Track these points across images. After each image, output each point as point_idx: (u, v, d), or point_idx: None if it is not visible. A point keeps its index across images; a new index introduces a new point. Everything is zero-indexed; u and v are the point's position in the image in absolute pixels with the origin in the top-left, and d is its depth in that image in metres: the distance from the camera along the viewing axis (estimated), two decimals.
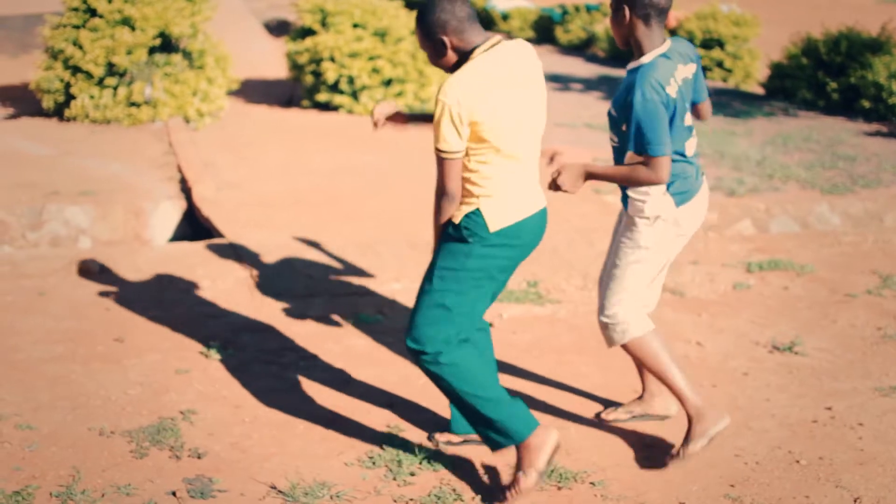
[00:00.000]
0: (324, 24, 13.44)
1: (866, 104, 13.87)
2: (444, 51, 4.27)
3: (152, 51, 12.00)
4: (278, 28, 24.80)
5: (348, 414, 5.31)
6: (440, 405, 5.42)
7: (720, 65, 18.29)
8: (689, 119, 4.72)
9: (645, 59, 4.54)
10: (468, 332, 4.50)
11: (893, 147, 11.96)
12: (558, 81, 17.32)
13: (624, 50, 4.72)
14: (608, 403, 5.50)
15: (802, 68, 15.23)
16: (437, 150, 4.24)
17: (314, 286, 7.01)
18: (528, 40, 24.54)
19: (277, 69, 15.80)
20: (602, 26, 23.06)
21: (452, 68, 4.35)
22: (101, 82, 11.81)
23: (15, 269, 7.21)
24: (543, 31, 24.55)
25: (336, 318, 6.60)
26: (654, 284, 5.02)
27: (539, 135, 4.43)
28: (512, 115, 4.23)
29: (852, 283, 7.49)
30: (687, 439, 4.75)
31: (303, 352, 6.07)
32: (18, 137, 11.12)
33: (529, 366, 5.96)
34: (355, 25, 13.32)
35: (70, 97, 11.93)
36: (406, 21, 13.59)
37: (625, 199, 4.82)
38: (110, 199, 8.79)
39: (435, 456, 4.83)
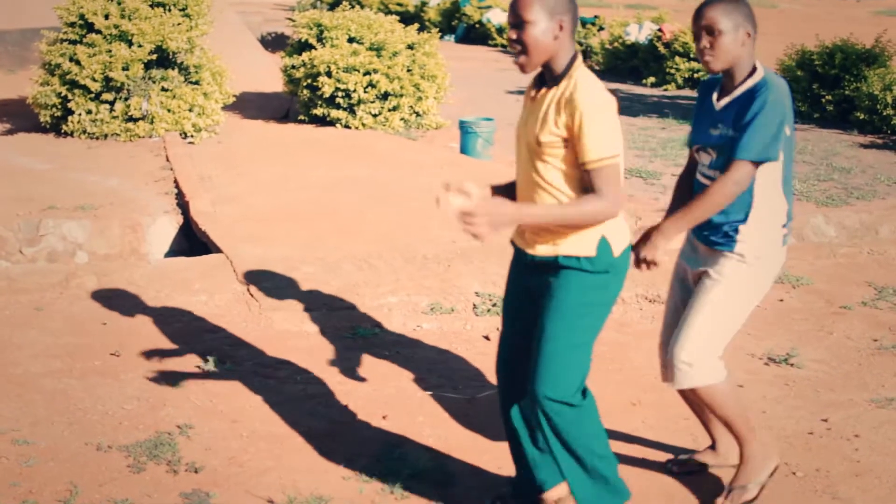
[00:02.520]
0: (320, 38, 13.47)
1: (861, 116, 13.91)
2: (559, 33, 3.96)
3: (149, 66, 12.02)
4: (274, 42, 24.86)
5: (345, 428, 5.31)
6: (436, 419, 5.43)
7: None
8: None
9: (759, 72, 4.40)
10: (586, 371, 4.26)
11: (888, 159, 11.99)
12: None
13: (718, 73, 4.49)
14: (606, 416, 5.49)
15: (797, 80, 15.26)
16: (610, 158, 3.90)
17: (311, 300, 7.02)
18: None
19: (274, 83, 15.82)
20: (597, 39, 23.09)
21: (551, 66, 4.02)
22: (98, 97, 11.83)
23: (12, 284, 7.22)
24: None
25: (333, 331, 6.60)
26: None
27: None
28: None
29: (848, 295, 7.51)
30: (739, 479, 4.69)
31: (300, 366, 6.07)
32: (15, 152, 11.13)
33: None
34: (351, 40, 13.35)
35: (67, 112, 11.95)
36: (402, 36, 13.61)
37: (713, 231, 4.54)
38: (107, 213, 8.80)
39: (431, 470, 4.83)
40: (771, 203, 4.47)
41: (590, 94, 3.91)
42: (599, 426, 4.31)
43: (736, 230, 4.47)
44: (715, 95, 4.52)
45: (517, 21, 3.93)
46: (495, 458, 5.02)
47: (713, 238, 4.54)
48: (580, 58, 4.02)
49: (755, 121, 4.28)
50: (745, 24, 4.34)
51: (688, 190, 4.67)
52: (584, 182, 3.98)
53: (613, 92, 4.15)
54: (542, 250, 4.14)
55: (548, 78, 4.05)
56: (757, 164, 4.31)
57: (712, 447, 5.01)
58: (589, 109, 3.87)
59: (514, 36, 3.95)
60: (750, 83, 4.39)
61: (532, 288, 4.25)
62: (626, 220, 4.29)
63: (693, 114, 4.72)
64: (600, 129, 3.88)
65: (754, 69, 4.42)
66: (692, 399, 4.80)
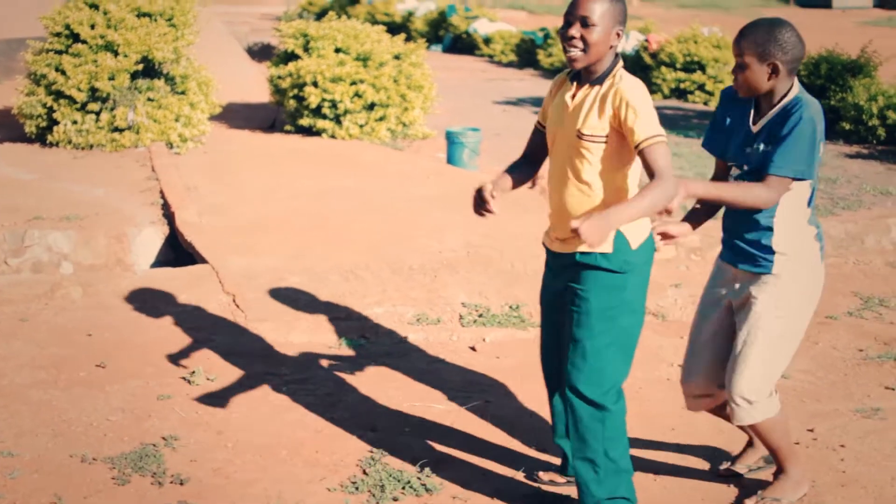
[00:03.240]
0: (306, 48, 13.46)
1: (847, 126, 13.93)
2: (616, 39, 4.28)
3: (135, 76, 11.99)
4: (261, 52, 24.85)
5: (331, 439, 5.31)
6: (423, 430, 5.43)
7: (701, 88, 18.35)
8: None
9: (795, 92, 4.43)
10: (626, 373, 4.45)
11: (874, 168, 12.02)
12: (540, 105, 17.34)
13: (746, 97, 4.54)
14: None
15: None
16: (661, 136, 4.13)
17: (297, 311, 7.01)
18: (511, 64, 24.64)
19: (260, 94, 15.81)
20: None
21: (596, 67, 4.27)
22: (83, 107, 11.79)
23: None
24: (525, 55, 24.60)
25: (319, 342, 6.60)
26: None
27: None
28: None
29: (833, 305, 7.52)
30: (775, 490, 4.75)
31: (286, 376, 6.07)
32: (1, 163, 11.10)
33: (514, 389, 5.97)
34: (338, 50, 13.34)
35: (53, 122, 11.91)
36: (388, 46, 13.61)
37: (747, 255, 4.58)
38: (93, 224, 8.77)
39: (418, 482, 4.83)
40: (800, 221, 4.51)
41: (634, 87, 4.18)
42: (621, 432, 4.41)
43: (771, 251, 4.50)
44: (751, 116, 4.54)
45: (584, 21, 4.17)
46: (482, 468, 5.02)
47: (750, 261, 4.57)
48: (621, 61, 4.30)
49: (790, 136, 4.33)
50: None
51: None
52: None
53: None
54: (563, 247, 4.39)
55: (587, 77, 4.29)
56: (792, 180, 4.36)
57: (750, 444, 5.10)
58: (635, 98, 4.13)
59: (575, 33, 4.18)
60: (785, 101, 4.43)
61: (559, 291, 4.49)
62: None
63: (716, 122, 4.74)
64: (647, 113, 4.11)
65: (789, 89, 4.45)
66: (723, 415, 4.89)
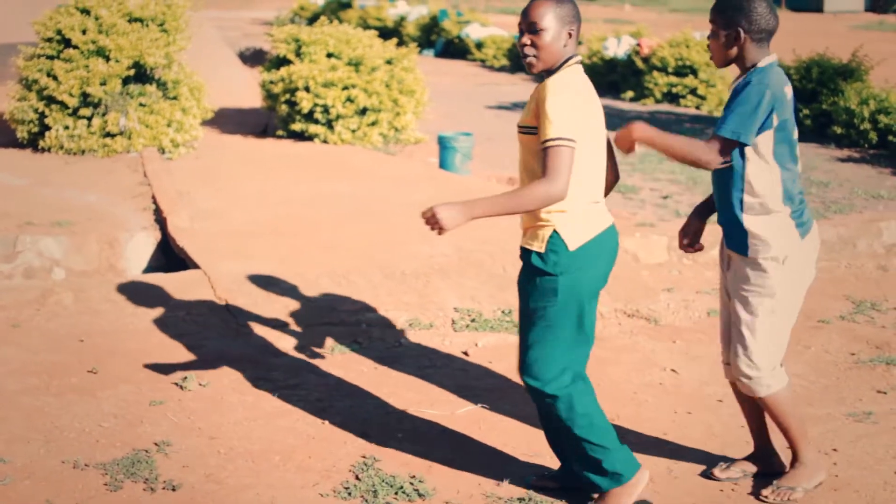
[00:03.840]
0: (298, 53, 13.47)
1: (838, 130, 13.96)
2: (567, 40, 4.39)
3: (127, 81, 11.99)
4: (253, 57, 24.84)
5: (324, 444, 5.30)
6: (415, 435, 5.43)
7: (693, 92, 18.39)
8: (795, 132, 4.65)
9: (762, 64, 4.54)
10: (579, 369, 4.50)
11: (865, 172, 12.05)
12: None
13: (720, 68, 4.75)
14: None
15: None
16: (562, 140, 4.19)
17: (289, 316, 7.00)
18: (503, 68, 24.67)
19: (252, 99, 15.81)
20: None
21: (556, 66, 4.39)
22: (75, 113, 11.79)
23: None
24: (517, 59, 24.59)
25: (312, 347, 6.59)
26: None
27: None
28: (593, 134, 4.37)
29: (825, 309, 7.53)
30: (790, 479, 4.82)
31: (278, 382, 6.06)
32: None
33: (507, 393, 5.96)
34: (329, 55, 13.35)
35: (44, 128, 11.91)
36: (380, 51, 13.62)
37: (730, 235, 4.69)
38: (85, 229, 8.77)
39: (410, 487, 4.82)
40: (771, 203, 4.57)
41: (557, 81, 4.29)
42: (587, 414, 4.48)
43: (743, 232, 4.60)
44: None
45: (532, 28, 4.34)
46: (475, 473, 5.01)
47: (729, 240, 4.71)
48: (576, 59, 4.41)
49: (736, 99, 4.48)
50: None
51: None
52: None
53: None
54: (523, 242, 4.49)
55: (543, 77, 4.42)
56: (730, 142, 4.48)
57: (752, 457, 5.11)
58: (550, 93, 4.23)
59: (527, 40, 4.36)
60: (751, 70, 4.57)
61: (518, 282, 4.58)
62: (597, 213, 4.42)
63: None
64: (558, 114, 4.18)
65: (759, 62, 4.57)
66: (749, 403, 4.96)
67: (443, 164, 12.06)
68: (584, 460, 4.54)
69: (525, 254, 4.45)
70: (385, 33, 25.75)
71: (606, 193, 4.67)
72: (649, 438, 5.45)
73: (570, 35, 4.35)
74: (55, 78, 11.71)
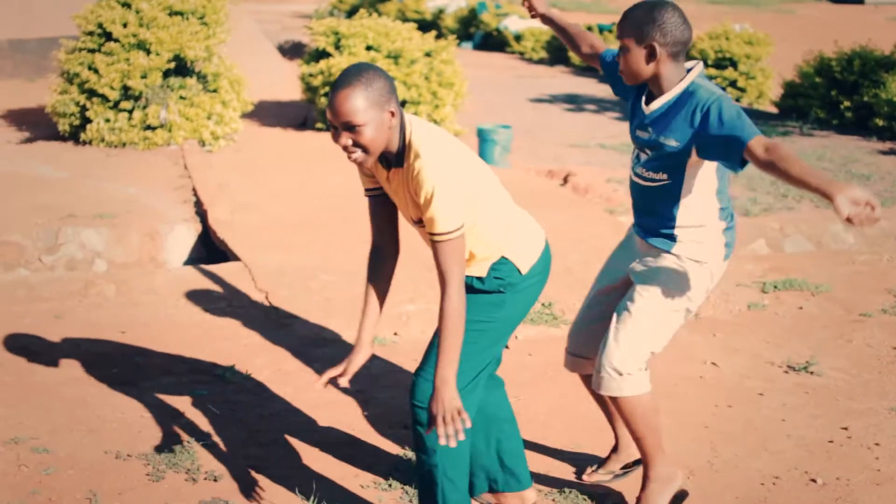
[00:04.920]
0: (337, 46, 13.49)
1: (880, 122, 13.87)
2: None
3: (167, 74, 12.05)
4: (292, 50, 24.90)
5: (364, 436, 5.31)
6: None
7: (733, 84, 18.28)
8: None
9: (691, 77, 4.26)
10: (476, 395, 4.20)
11: None
12: (572, 102, 17.36)
13: (633, 86, 4.45)
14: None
15: (815, 87, 15.24)
16: (446, 235, 3.85)
17: (330, 308, 7.02)
18: (541, 61, 24.61)
19: (291, 91, 15.85)
20: (615, 47, 23.05)
21: (388, 150, 3.93)
22: (116, 106, 11.86)
23: (31, 292, 7.24)
24: (556, 52, 24.57)
25: (352, 339, 6.60)
26: None
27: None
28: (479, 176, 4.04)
29: (868, 303, 7.48)
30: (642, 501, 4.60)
31: (319, 374, 6.07)
32: (35, 161, 11.18)
33: (544, 387, 5.96)
34: (369, 48, 13.37)
35: (86, 121, 11.99)
36: (419, 43, 13.62)
37: (654, 233, 4.43)
38: (126, 221, 8.82)
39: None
40: (705, 210, 4.34)
41: (429, 170, 3.78)
42: (465, 457, 4.18)
43: (673, 232, 4.37)
44: (643, 99, 4.41)
45: (347, 126, 3.75)
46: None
47: (651, 235, 4.43)
48: (411, 126, 3.90)
49: (724, 120, 4.07)
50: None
51: None
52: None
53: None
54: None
55: (391, 160, 3.97)
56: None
57: (615, 450, 4.96)
58: (429, 186, 3.78)
59: (348, 141, 3.77)
60: (679, 90, 4.25)
61: None
62: (530, 228, 4.24)
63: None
64: (442, 202, 3.79)
65: (683, 78, 4.29)
66: (605, 401, 4.76)
67: (482, 157, 12.05)
68: (428, 490, 4.19)
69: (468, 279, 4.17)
70: (423, 26, 25.78)
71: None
72: (690, 431, 5.43)
73: (392, 114, 3.80)
74: (96, 71, 11.78)
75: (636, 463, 4.91)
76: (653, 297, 4.38)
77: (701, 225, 4.35)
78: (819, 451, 5.21)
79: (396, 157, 3.92)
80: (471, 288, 4.14)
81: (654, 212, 4.40)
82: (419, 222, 4.04)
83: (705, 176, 4.31)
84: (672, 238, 4.38)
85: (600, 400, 4.80)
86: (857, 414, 5.65)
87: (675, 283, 4.36)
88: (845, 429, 5.46)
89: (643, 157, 4.40)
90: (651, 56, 4.21)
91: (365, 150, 3.80)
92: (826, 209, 9.81)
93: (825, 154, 12.51)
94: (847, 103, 14.65)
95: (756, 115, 16.11)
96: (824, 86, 15.14)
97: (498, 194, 4.11)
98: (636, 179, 4.46)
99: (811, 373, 6.21)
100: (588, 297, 4.80)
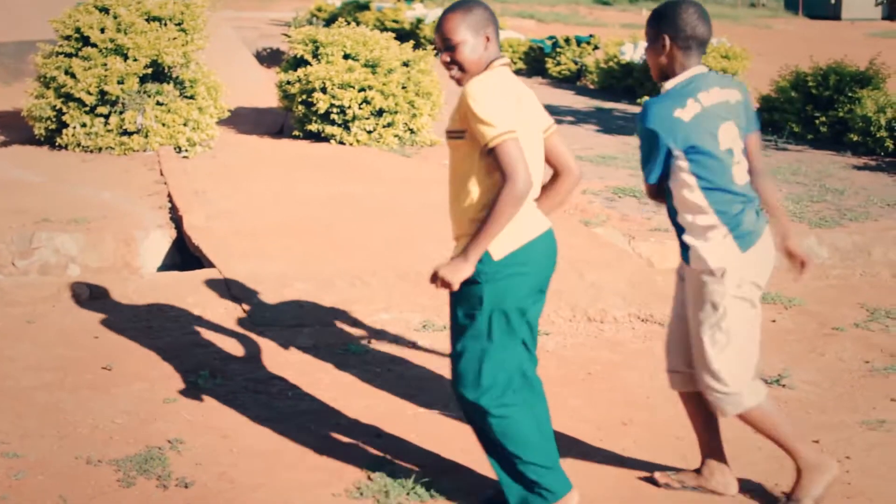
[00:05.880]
0: (315, 54, 13.49)
1: (855, 138, 13.93)
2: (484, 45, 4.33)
3: (144, 80, 12.03)
4: (270, 58, 24.89)
5: (337, 444, 5.31)
6: (429, 436, 5.42)
7: None
8: (727, 142, 4.54)
9: (670, 85, 4.49)
10: (516, 379, 4.40)
11: (882, 180, 12.02)
12: (550, 113, 17.37)
13: (658, 81, 4.64)
14: (596, 435, 5.50)
15: (791, 101, 15.30)
16: (504, 134, 4.11)
17: (304, 316, 7.02)
18: (519, 72, 24.65)
19: (269, 99, 15.84)
20: (592, 58, 23.14)
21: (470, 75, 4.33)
22: (92, 110, 11.83)
23: (4, 297, 7.21)
24: (534, 63, 24.64)
25: (325, 348, 6.60)
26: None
27: (542, 163, 4.44)
28: (526, 135, 4.25)
29: (840, 317, 7.52)
30: (795, 492, 4.71)
31: (292, 381, 6.07)
32: (9, 165, 11.13)
33: None
34: (346, 56, 13.37)
35: (62, 125, 11.95)
36: (397, 53, 13.64)
37: (684, 248, 4.61)
38: (101, 227, 8.79)
39: (423, 487, 4.82)
40: (697, 219, 4.52)
41: (476, 83, 4.18)
42: (530, 436, 4.41)
43: (683, 238, 4.60)
44: None
45: (447, 45, 4.29)
46: (488, 476, 5.01)
47: (683, 253, 4.66)
48: (499, 61, 4.35)
49: None
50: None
51: None
52: (490, 171, 4.19)
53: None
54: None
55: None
56: (648, 185, 4.65)
57: (698, 470, 4.99)
58: (472, 96, 4.14)
59: (447, 59, 4.31)
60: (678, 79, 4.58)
61: None
62: (528, 218, 4.30)
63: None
64: (486, 110, 4.11)
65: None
66: (694, 415, 4.88)
67: None
68: (511, 474, 4.45)
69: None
70: (402, 35, 25.74)
71: (567, 194, 4.63)
72: (663, 442, 5.44)
73: (487, 39, 4.30)
74: (73, 76, 11.75)
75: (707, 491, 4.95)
76: (702, 323, 4.57)
77: (693, 223, 4.53)
78: (790, 463, 5.19)
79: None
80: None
81: (670, 218, 4.67)
82: (454, 134, 4.29)
83: (682, 176, 4.48)
84: (685, 246, 4.60)
85: (693, 418, 4.95)
86: (829, 427, 5.68)
87: (711, 302, 4.53)
88: (816, 442, 5.47)
89: None
90: (662, 48, 4.50)
91: (461, 67, 4.29)
92: (800, 223, 9.85)
93: (800, 168, 12.56)
94: (822, 118, 14.73)
95: None
96: (800, 100, 15.21)
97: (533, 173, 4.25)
98: None
99: (783, 385, 6.23)
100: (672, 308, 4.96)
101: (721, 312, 4.52)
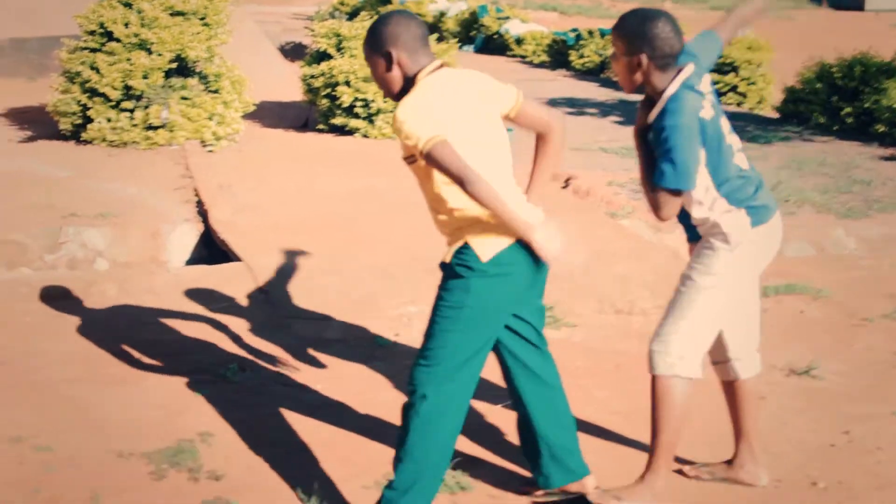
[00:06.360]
0: (339, 48, 13.48)
1: (881, 128, 13.85)
2: (390, 66, 4.23)
3: (169, 74, 12.04)
4: (293, 52, 24.88)
5: (365, 436, 5.31)
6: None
7: (734, 89, 18.28)
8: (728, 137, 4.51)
9: (671, 89, 4.35)
10: (466, 378, 4.36)
11: None
12: (573, 106, 17.33)
13: (630, 93, 4.58)
14: (626, 427, 5.49)
15: (817, 93, 15.22)
16: (426, 147, 4.04)
17: (330, 309, 7.02)
18: (542, 65, 24.59)
19: (293, 92, 15.83)
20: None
21: (398, 95, 4.29)
22: (117, 105, 11.85)
23: (33, 291, 7.24)
24: (557, 56, 24.55)
25: (352, 340, 6.61)
26: (739, 330, 4.76)
27: (506, 153, 4.40)
28: (467, 133, 4.16)
29: (869, 307, 7.48)
30: (625, 489, 4.63)
31: (319, 374, 6.08)
32: (36, 160, 11.17)
33: None
34: None
35: (87, 120, 11.97)
36: None
37: (691, 228, 4.61)
38: (127, 221, 8.82)
39: (452, 479, 4.82)
40: (710, 206, 4.46)
41: (400, 108, 4.14)
42: (443, 437, 4.35)
43: (690, 217, 4.55)
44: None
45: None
46: (515, 467, 5.02)
47: (690, 231, 4.66)
48: (425, 71, 4.25)
49: (661, 144, 4.39)
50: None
51: None
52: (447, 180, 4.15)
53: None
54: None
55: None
56: (676, 192, 4.40)
57: (729, 462, 4.97)
58: (395, 120, 4.14)
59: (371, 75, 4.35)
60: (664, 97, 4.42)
61: None
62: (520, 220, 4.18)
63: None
64: (409, 124, 4.07)
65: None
66: (730, 404, 4.88)
67: None
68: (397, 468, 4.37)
69: (441, 265, 4.37)
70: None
71: (560, 146, 4.64)
72: (690, 433, 5.42)
73: (388, 56, 4.21)
74: (98, 71, 11.78)
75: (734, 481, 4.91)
76: (690, 282, 4.54)
77: (706, 219, 4.48)
78: (820, 454, 5.22)
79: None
80: (443, 272, 4.36)
81: (681, 219, 4.62)
82: (407, 160, 4.29)
83: (700, 175, 4.39)
84: (693, 228, 4.59)
85: (730, 407, 4.94)
86: (859, 418, 5.66)
87: (709, 265, 4.49)
88: (846, 433, 5.46)
89: None
90: (639, 66, 4.36)
91: (380, 86, 4.41)
92: (827, 214, 9.81)
93: (826, 160, 12.50)
94: (848, 109, 14.64)
95: (757, 121, 16.11)
96: (825, 92, 15.13)
97: (490, 169, 4.17)
98: None
99: (813, 377, 6.21)
100: None
101: (713, 279, 4.49)
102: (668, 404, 4.55)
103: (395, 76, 4.26)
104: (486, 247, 4.18)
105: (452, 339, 4.27)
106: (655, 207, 4.38)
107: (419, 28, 4.25)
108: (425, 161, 4.07)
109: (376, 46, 4.23)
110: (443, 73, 4.26)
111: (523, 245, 4.19)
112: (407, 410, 4.35)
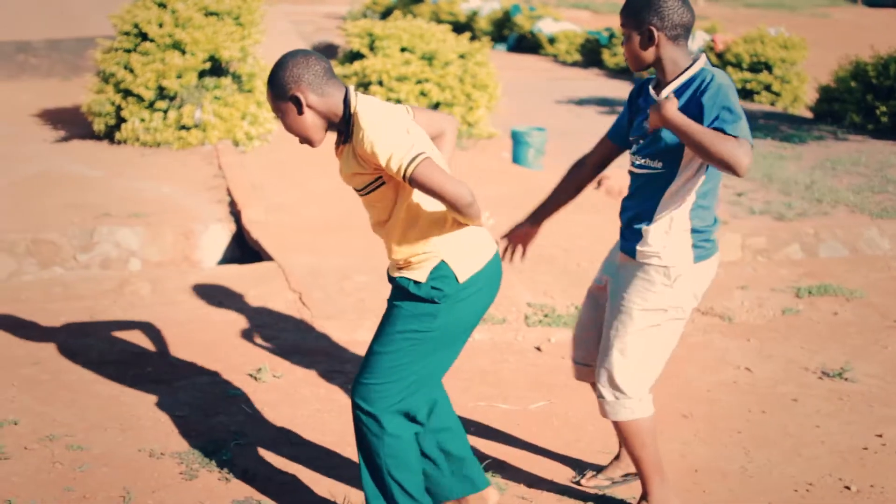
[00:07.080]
0: (372, 47, 13.51)
1: None
2: (301, 110, 3.99)
3: (202, 74, 12.09)
4: (326, 51, 24.94)
5: None
6: (487, 430, 5.43)
7: (768, 88, 18.21)
8: None
9: (700, 65, 4.19)
10: (419, 401, 4.19)
11: None
12: (605, 105, 17.32)
13: (636, 73, 4.42)
14: (657, 428, 5.46)
15: (851, 92, 15.15)
16: (417, 158, 3.79)
17: (363, 309, 7.03)
18: (575, 64, 24.58)
19: None
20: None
21: (334, 124, 4.08)
22: (151, 105, 11.91)
23: (66, 291, 7.28)
24: (590, 55, 24.53)
25: None
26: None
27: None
28: (428, 146, 4.00)
29: None
30: None
31: (352, 375, 6.09)
32: (70, 160, 11.23)
33: (575, 390, 5.94)
34: (403, 49, 13.38)
35: (121, 120, 12.03)
36: (454, 45, 13.62)
37: (630, 242, 4.35)
38: (160, 221, 8.86)
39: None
40: (683, 201, 4.23)
41: (368, 116, 3.88)
42: (405, 458, 4.19)
43: (640, 232, 4.28)
44: (653, 93, 4.33)
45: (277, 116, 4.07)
46: (547, 468, 5.01)
47: (628, 245, 4.36)
48: (353, 94, 3.99)
49: (715, 103, 4.05)
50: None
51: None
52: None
53: None
54: (395, 273, 4.20)
55: (338, 138, 4.16)
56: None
57: (617, 457, 4.91)
58: (370, 129, 3.84)
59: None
60: (690, 73, 4.19)
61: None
62: (481, 239, 4.14)
63: (621, 118, 4.54)
64: (388, 141, 3.81)
65: (692, 64, 4.21)
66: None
67: (515, 159, 12.05)
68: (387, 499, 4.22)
69: (402, 281, 4.12)
70: (457, 28, 25.77)
71: (453, 135, 4.47)
72: (723, 436, 5.41)
73: (297, 99, 3.97)
74: (132, 71, 11.84)
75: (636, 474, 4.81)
76: (636, 320, 4.30)
77: (671, 217, 4.24)
78: (853, 457, 5.19)
79: (342, 129, 4.08)
80: (406, 292, 4.09)
81: (639, 202, 4.34)
82: (365, 189, 4.11)
83: (698, 169, 4.22)
84: (631, 243, 4.32)
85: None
86: (892, 421, 5.62)
87: (654, 302, 4.28)
88: (880, 436, 5.43)
89: (641, 142, 4.32)
90: (650, 40, 4.19)
91: (298, 134, 4.20)
92: (861, 214, 9.76)
93: (860, 159, 12.43)
94: (883, 108, 14.56)
95: (791, 120, 16.04)
96: (860, 90, 15.05)
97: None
98: (631, 169, 4.40)
99: (846, 379, 6.18)
100: (587, 293, 4.75)
101: (660, 315, 4.31)
102: (641, 441, 4.43)
103: (309, 120, 4.04)
104: (465, 266, 4.04)
105: (409, 363, 4.10)
106: (737, 162, 3.87)
107: (319, 63, 3.98)
108: (411, 179, 3.81)
109: (280, 93, 3.98)
110: (360, 103, 4.00)
111: (491, 264, 4.13)
112: (367, 436, 4.17)
